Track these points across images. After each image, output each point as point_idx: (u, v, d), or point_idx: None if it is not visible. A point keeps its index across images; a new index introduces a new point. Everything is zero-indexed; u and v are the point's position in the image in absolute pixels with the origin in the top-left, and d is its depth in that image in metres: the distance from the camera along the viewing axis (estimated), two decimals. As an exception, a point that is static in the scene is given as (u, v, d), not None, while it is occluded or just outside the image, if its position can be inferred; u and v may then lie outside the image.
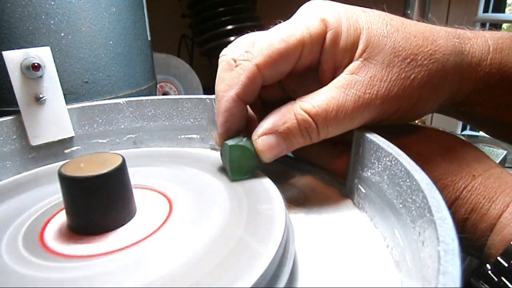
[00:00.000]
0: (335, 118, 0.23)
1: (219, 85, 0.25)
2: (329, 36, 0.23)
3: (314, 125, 0.23)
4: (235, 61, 0.25)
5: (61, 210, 0.21)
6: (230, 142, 0.24)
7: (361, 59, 0.23)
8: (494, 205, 0.24)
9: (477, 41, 0.26)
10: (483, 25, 0.79)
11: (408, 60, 0.23)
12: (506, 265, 0.22)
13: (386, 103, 0.23)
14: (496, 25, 0.80)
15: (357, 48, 0.23)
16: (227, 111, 0.24)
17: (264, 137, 0.23)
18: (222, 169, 0.26)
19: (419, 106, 0.25)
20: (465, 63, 0.25)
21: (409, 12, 0.56)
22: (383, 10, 0.25)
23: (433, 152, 0.26)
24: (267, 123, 0.23)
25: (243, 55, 0.24)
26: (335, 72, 0.24)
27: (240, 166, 0.24)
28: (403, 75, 0.23)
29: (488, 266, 0.23)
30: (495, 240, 0.24)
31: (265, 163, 0.24)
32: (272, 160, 0.24)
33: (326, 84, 0.24)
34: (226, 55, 0.27)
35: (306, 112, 0.23)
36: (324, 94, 0.23)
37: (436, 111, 0.29)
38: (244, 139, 0.24)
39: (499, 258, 0.22)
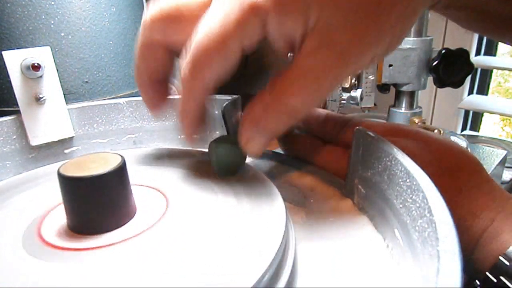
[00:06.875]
0: (314, 99, 0.21)
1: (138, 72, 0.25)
2: (270, 16, 0.19)
3: (298, 115, 0.21)
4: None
5: (61, 210, 0.21)
6: (217, 141, 0.24)
7: (317, 24, 0.19)
8: (478, 219, 0.24)
9: None
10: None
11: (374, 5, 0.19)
12: (495, 280, 0.22)
13: (363, 57, 0.20)
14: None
15: (307, 10, 0.19)
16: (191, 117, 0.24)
17: (251, 142, 0.22)
18: None
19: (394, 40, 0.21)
20: None
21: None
22: None
23: (424, 161, 0.26)
24: (247, 128, 0.22)
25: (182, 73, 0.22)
26: (291, 47, 0.21)
27: (227, 165, 0.24)
28: (372, 25, 0.19)
29: (478, 282, 0.23)
30: (482, 255, 0.23)
31: (264, 163, 0.24)
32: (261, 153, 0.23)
33: (286, 59, 0.21)
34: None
35: (291, 107, 0.21)
36: (296, 81, 0.20)
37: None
38: (231, 137, 0.25)
39: (488, 274, 0.22)
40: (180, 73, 0.22)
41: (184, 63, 0.21)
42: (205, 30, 0.20)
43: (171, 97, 0.27)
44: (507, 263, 0.22)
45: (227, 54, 0.20)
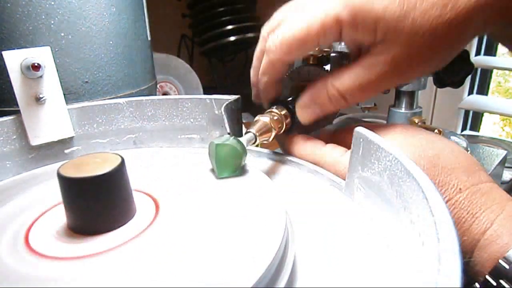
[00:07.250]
0: (360, 93, 0.28)
1: (253, 69, 0.33)
2: (345, 28, 0.26)
3: (343, 100, 0.28)
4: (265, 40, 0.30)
5: (61, 209, 0.21)
6: (217, 141, 0.25)
7: (381, 41, 0.26)
8: (477, 221, 0.24)
9: None
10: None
11: (428, 36, 0.25)
12: (494, 283, 0.22)
13: (410, 74, 0.27)
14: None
15: (376, 31, 0.25)
16: (266, 90, 0.32)
17: (304, 108, 0.30)
18: None
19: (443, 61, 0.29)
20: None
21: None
22: None
23: (424, 159, 0.26)
24: (305, 98, 0.30)
25: (270, 42, 0.29)
26: (360, 49, 0.28)
27: (226, 164, 0.25)
28: (425, 51, 0.26)
29: (477, 285, 0.23)
30: (481, 257, 0.23)
31: (264, 163, 0.24)
32: (310, 122, 0.31)
33: (354, 57, 0.28)
34: (263, 30, 0.32)
35: (336, 90, 0.28)
36: (351, 73, 0.27)
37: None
38: (231, 138, 0.25)
39: (487, 277, 0.22)
40: (267, 45, 0.29)
41: (271, 39, 0.28)
42: (300, 23, 0.27)
43: (170, 97, 0.27)
44: (507, 266, 0.21)
45: (308, 44, 0.27)
